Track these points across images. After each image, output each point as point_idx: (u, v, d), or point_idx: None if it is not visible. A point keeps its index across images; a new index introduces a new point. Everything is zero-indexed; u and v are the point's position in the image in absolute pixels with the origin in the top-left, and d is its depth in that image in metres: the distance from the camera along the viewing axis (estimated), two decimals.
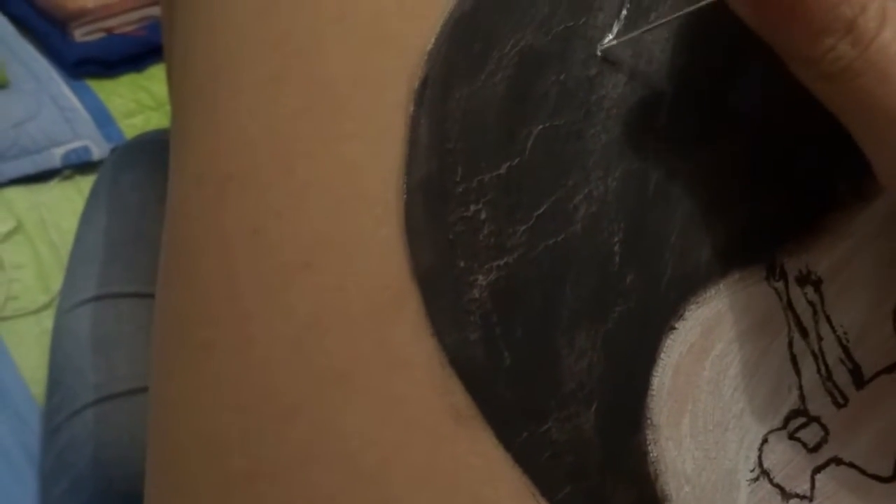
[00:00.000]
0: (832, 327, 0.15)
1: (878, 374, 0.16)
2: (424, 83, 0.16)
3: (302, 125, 0.17)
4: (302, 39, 0.18)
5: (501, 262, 0.15)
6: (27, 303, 0.60)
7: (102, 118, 0.76)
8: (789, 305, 0.15)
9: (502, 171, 0.16)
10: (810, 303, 0.15)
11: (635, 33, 0.16)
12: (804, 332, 0.15)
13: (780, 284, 0.15)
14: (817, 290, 0.16)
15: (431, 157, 0.16)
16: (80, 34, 0.82)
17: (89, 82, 0.79)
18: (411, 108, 0.16)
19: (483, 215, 0.15)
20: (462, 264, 0.15)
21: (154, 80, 0.81)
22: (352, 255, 0.16)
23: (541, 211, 0.15)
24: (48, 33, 0.81)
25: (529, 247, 0.15)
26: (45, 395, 0.48)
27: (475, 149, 0.16)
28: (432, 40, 0.17)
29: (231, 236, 0.18)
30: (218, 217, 0.18)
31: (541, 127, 0.16)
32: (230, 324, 0.17)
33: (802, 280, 0.15)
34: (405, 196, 0.16)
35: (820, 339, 0.15)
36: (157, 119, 0.79)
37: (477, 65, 0.16)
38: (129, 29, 0.84)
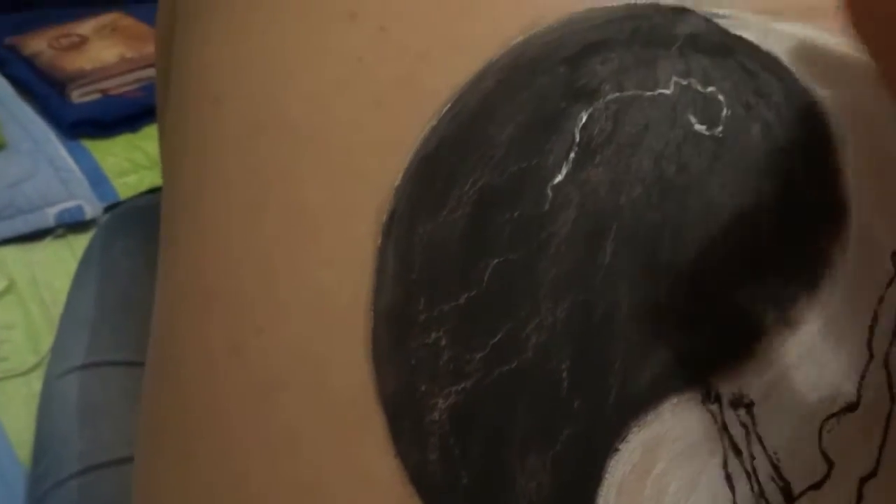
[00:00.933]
0: (763, 447, 0.17)
1: (806, 489, 0.17)
2: (392, 217, 0.18)
3: (281, 250, 0.19)
4: (283, 171, 0.19)
5: (459, 387, 0.17)
6: (16, 364, 0.61)
7: (96, 178, 0.78)
8: (724, 427, 0.17)
9: (461, 301, 0.17)
10: (743, 424, 0.17)
11: None
12: (738, 452, 0.17)
13: (714, 407, 0.17)
14: (749, 412, 0.17)
15: (397, 286, 0.17)
16: (77, 95, 0.84)
17: (85, 142, 0.81)
18: (379, 240, 0.18)
19: (443, 342, 0.17)
20: (423, 388, 0.17)
21: (148, 139, 0.83)
22: (324, 376, 0.17)
23: (496, 339, 0.17)
24: (47, 95, 0.84)
25: (485, 373, 0.17)
26: (30, 461, 0.48)
27: (437, 280, 0.17)
28: (399, 177, 0.18)
29: (213, 351, 0.19)
30: (201, 332, 0.20)
31: (496, 261, 0.17)
32: (215, 433, 0.19)
33: (735, 403, 0.17)
34: (372, 322, 0.17)
35: (752, 457, 0.17)
36: (151, 178, 0.81)
37: (439, 201, 0.18)
38: (125, 90, 0.87)
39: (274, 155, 0.20)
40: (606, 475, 0.16)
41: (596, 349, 0.17)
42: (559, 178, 0.18)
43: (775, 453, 0.17)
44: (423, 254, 0.17)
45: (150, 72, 0.88)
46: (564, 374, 0.17)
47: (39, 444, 0.47)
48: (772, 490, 0.17)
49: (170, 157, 0.25)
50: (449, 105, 0.18)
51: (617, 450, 0.16)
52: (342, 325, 0.18)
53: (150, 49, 0.90)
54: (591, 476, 0.16)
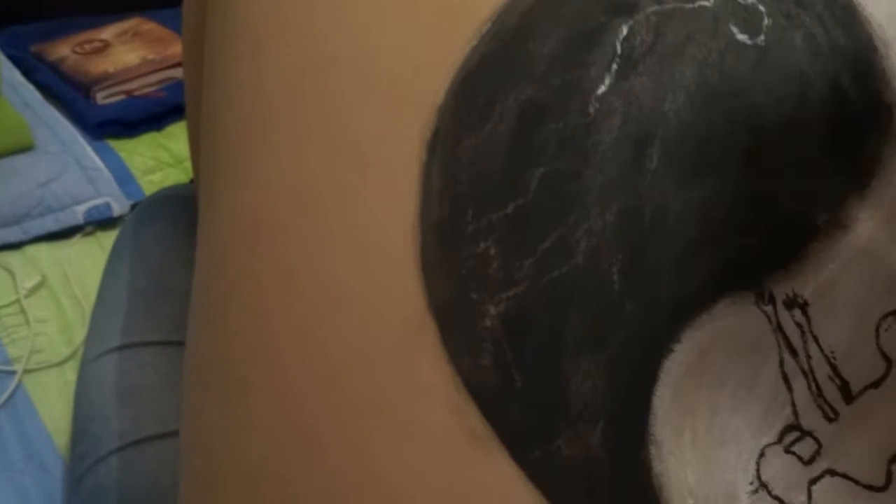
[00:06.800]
0: (820, 347, 0.17)
1: (865, 388, 0.17)
2: (435, 135, 0.18)
3: (327, 180, 0.19)
4: (326, 105, 0.20)
5: (510, 294, 0.17)
6: (51, 355, 0.62)
7: (123, 176, 0.78)
8: (779, 328, 0.17)
9: (509, 210, 0.17)
10: (798, 325, 0.17)
11: None
12: (794, 352, 0.17)
13: (769, 308, 0.17)
14: (804, 312, 0.17)
15: (444, 200, 0.17)
16: (101, 97, 0.86)
17: (111, 142, 0.82)
18: (424, 157, 0.18)
19: (492, 251, 0.17)
20: (474, 296, 0.17)
21: (172, 138, 0.84)
22: (376, 294, 0.18)
23: (545, 245, 0.17)
24: (72, 98, 0.85)
25: (536, 278, 0.17)
26: (69, 445, 0.49)
27: (483, 191, 0.17)
28: (441, 95, 0.18)
29: (261, 279, 0.19)
30: (248, 262, 0.20)
31: (542, 170, 0.17)
32: (264, 361, 0.19)
33: (790, 304, 0.17)
34: (421, 237, 0.17)
35: (809, 357, 0.17)
36: (176, 175, 0.82)
37: (482, 116, 0.18)
38: (148, 90, 0.88)
39: (317, 91, 0.20)
40: (662, 375, 0.16)
41: (648, 252, 0.17)
42: (602, 88, 0.18)
43: (832, 353, 0.17)
44: (469, 167, 0.18)
45: (173, 72, 0.90)
46: (616, 278, 0.17)
47: (78, 426, 0.48)
48: (830, 389, 0.17)
49: (210, 113, 0.25)
50: (489, 24, 0.19)
51: (671, 350, 0.16)
52: (392, 242, 0.18)
53: (171, 51, 0.91)
54: (647, 377, 0.16)
